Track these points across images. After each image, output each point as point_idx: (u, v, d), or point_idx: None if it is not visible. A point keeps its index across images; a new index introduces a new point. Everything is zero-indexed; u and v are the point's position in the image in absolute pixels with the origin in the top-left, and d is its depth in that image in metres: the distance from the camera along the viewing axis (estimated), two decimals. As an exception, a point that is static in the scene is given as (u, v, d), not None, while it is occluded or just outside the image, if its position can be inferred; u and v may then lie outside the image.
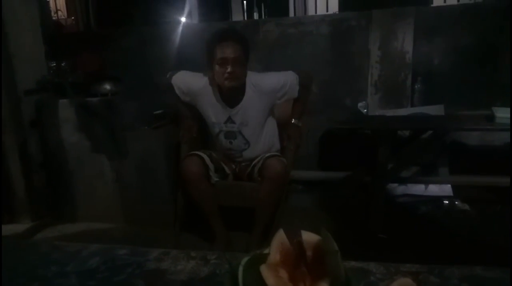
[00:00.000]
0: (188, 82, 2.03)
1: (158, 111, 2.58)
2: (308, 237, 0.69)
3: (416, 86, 2.81)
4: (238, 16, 4.34)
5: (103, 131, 2.40)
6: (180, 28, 3.16)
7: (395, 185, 2.72)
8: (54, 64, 2.63)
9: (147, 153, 2.37)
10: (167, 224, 2.26)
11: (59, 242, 1.05)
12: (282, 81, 1.99)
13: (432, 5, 3.20)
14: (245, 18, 4.20)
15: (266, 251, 0.73)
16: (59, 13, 3.94)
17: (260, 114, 2.00)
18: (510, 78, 2.52)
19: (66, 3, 4.13)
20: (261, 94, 1.95)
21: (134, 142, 2.39)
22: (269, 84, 1.98)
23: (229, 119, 1.98)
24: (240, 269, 0.64)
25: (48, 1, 3.63)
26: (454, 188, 2.67)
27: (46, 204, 2.61)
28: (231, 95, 1.95)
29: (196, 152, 2.01)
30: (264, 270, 0.60)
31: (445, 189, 2.67)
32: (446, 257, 1.85)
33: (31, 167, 2.53)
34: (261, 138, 2.06)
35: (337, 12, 3.36)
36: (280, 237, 0.70)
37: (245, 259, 0.67)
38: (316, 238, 0.68)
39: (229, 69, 1.79)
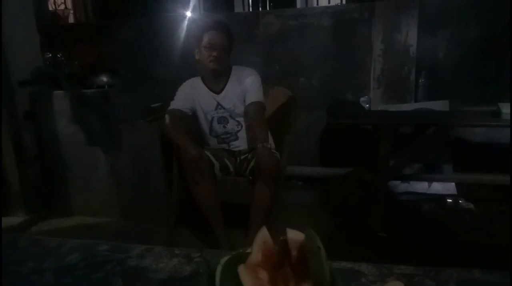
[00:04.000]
0: (183, 88, 2.20)
1: (155, 104, 2.54)
2: (294, 235, 0.65)
3: (420, 81, 2.75)
4: (239, 9, 4.29)
5: (98, 123, 2.37)
6: (180, 21, 3.10)
7: (397, 182, 2.66)
8: (50, 55, 2.59)
9: (142, 146, 2.34)
10: (162, 218, 2.22)
11: (39, 237, 1.02)
12: (258, 79, 2.14)
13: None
14: (245, 9, 4.14)
15: (248, 250, 0.68)
16: (58, 4, 3.90)
17: (243, 102, 2.14)
18: (510, 78, 2.47)
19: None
20: (240, 83, 2.12)
21: (129, 135, 2.35)
22: (247, 75, 2.14)
23: (219, 105, 2.13)
24: (219, 268, 0.60)
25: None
26: (458, 186, 2.61)
27: (41, 198, 2.59)
28: (216, 81, 2.13)
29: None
30: (241, 270, 0.55)
31: (449, 187, 2.61)
32: (448, 258, 1.80)
33: (26, 159, 2.50)
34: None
35: (339, 4, 3.29)
36: (262, 236, 0.65)
37: (224, 258, 0.62)
38: (303, 236, 0.64)
39: (214, 54, 2.00)
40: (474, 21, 2.63)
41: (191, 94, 2.16)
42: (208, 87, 2.15)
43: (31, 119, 2.48)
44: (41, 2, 3.09)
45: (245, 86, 2.11)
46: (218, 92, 2.14)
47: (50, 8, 3.74)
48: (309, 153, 3.01)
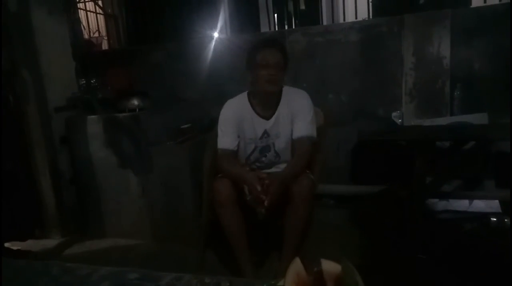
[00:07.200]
0: (227, 117, 2.00)
1: (185, 126, 2.56)
2: (329, 267, 0.61)
3: (455, 93, 2.63)
4: (265, 29, 4.33)
5: (130, 146, 2.41)
6: (207, 43, 3.16)
7: (435, 200, 2.53)
8: (84, 81, 2.69)
9: (172, 168, 2.34)
10: (193, 240, 2.20)
11: (71, 264, 1.02)
12: (312, 106, 1.98)
13: (471, 6, 3.00)
14: (271, 29, 4.17)
15: (280, 283, 0.65)
16: (93, 31, 4.08)
17: (290, 130, 1.97)
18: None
19: (98, 22, 4.30)
20: (290, 109, 1.96)
21: (160, 157, 2.37)
22: (298, 99, 1.98)
23: (265, 133, 1.98)
24: (250, 303, 0.56)
25: (80, 20, 3.76)
26: (502, 203, 2.44)
27: (76, 220, 2.64)
28: (266, 104, 1.97)
29: None
30: (274, 308, 0.51)
31: (492, 205, 2.46)
32: (495, 283, 1.67)
33: (62, 182, 2.57)
34: (290, 155, 2.01)
35: (366, 19, 3.24)
36: (296, 267, 0.61)
37: (256, 292, 0.59)
38: (338, 268, 0.59)
39: (272, 72, 1.87)
40: (509, 29, 2.51)
41: (236, 121, 1.97)
42: (256, 113, 1.97)
43: (67, 144, 2.57)
44: (76, 31, 3.23)
45: (296, 113, 1.93)
46: (267, 118, 1.96)
47: (85, 36, 3.92)
48: (340, 170, 2.93)
